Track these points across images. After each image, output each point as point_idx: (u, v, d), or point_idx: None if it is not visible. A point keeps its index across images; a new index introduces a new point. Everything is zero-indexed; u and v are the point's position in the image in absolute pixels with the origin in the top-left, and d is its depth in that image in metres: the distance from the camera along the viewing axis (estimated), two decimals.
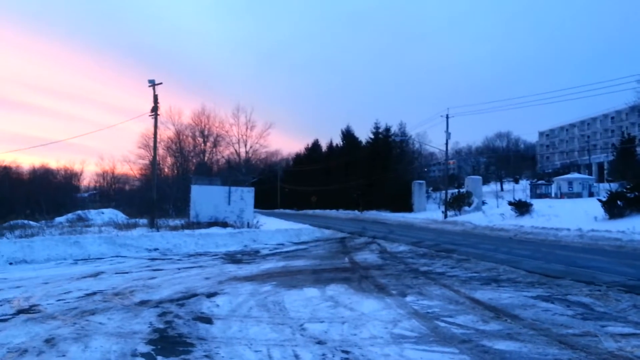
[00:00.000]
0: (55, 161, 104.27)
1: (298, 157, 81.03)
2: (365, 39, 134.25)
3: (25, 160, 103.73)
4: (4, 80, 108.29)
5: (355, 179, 55.29)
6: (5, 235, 19.94)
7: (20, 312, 6.87)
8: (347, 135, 67.59)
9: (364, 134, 76.89)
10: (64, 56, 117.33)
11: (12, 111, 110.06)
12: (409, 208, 48.06)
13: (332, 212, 55.47)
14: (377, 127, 59.86)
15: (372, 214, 47.33)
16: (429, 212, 42.72)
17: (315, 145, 77.66)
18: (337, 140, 71.17)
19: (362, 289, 8.67)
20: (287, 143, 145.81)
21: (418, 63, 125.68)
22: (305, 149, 79.46)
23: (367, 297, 7.93)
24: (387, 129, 58.80)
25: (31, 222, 28.86)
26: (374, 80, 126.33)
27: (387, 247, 16.72)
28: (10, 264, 12.96)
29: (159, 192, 28.81)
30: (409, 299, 7.75)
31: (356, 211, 52.08)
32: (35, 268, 12.32)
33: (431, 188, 62.01)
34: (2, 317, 6.51)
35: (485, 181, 60.37)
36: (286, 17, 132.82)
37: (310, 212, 60.17)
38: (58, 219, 32.20)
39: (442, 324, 6.10)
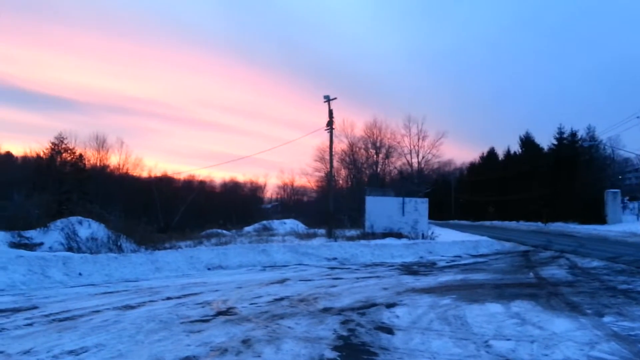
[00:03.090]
0: (242, 175, 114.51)
1: (472, 167, 78.23)
2: (540, 37, 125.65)
3: (217, 175, 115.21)
4: (201, 103, 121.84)
5: (536, 188, 51.66)
6: (203, 243, 22.31)
7: (219, 313, 7.56)
8: (526, 141, 63.46)
9: (545, 140, 71.49)
10: (247, 78, 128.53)
11: (207, 131, 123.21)
12: (600, 220, 43.43)
13: (512, 224, 52.47)
14: (560, 132, 55.32)
15: (558, 226, 43.71)
16: (625, 224, 38.18)
17: (491, 153, 74.26)
18: (515, 148, 67.12)
19: (552, 307, 8.02)
20: (460, 152, 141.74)
21: (608, 58, 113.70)
22: (480, 157, 76.41)
23: (557, 315, 7.31)
24: (573, 134, 53.96)
25: (224, 231, 31.92)
26: (554, 82, 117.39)
27: (577, 262, 15.29)
28: (209, 269, 14.39)
29: (334, 203, 29.88)
30: (606, 319, 6.98)
31: (539, 223, 48.56)
32: (229, 273, 13.53)
33: (627, 197, 55.39)
34: (204, 318, 7.21)
35: None
36: (452, 23, 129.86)
37: (487, 223, 57.59)
38: (246, 229, 35.17)
39: None
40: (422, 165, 64.54)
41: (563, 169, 50.51)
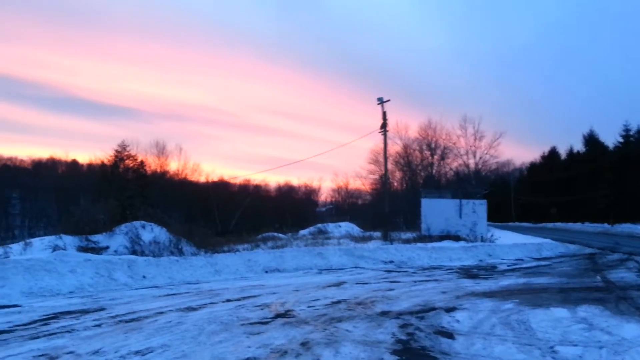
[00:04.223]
0: (296, 179, 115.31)
1: (533, 167, 75.82)
2: (603, 29, 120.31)
3: (272, 179, 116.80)
4: (256, 108, 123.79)
5: (602, 188, 49.52)
6: (260, 246, 22.62)
7: (278, 316, 7.63)
8: (590, 140, 60.93)
9: (610, 138, 68.53)
10: (300, 82, 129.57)
11: (262, 136, 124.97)
12: None
13: (576, 226, 50.42)
14: (626, 129, 52.86)
15: (626, 228, 41.62)
16: None
17: (552, 152, 71.75)
18: (578, 146, 64.66)
19: (621, 312, 7.65)
20: (519, 152, 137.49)
21: None
22: (541, 157, 73.94)
23: (627, 320, 6.97)
24: None
25: (279, 235, 32.28)
26: (619, 77, 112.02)
27: None
28: (266, 272, 14.58)
29: (389, 206, 29.67)
30: None
31: (605, 224, 46.43)
32: (286, 276, 13.66)
33: None
34: (263, 320, 7.30)
35: None
36: (509, 19, 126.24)
37: (549, 225, 55.59)
38: (301, 232, 35.38)
39: None
40: (480, 166, 62.89)
41: (630, 167, 48.21)
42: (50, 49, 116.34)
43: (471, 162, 62.49)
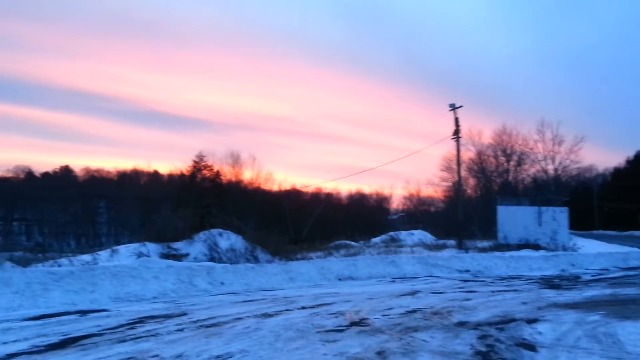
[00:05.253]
0: (367, 187, 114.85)
1: (617, 172, 71.57)
2: None
3: (344, 187, 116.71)
4: (327, 117, 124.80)
5: None
6: (332, 254, 22.75)
7: (353, 324, 7.64)
8: None
9: None
10: (369, 90, 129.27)
11: (333, 144, 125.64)
12: None
13: None
14: None
15: None
16: None
17: (638, 156, 67.59)
18: None
19: None
20: (603, 157, 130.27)
21: None
22: (626, 161, 69.69)
23: None
24: None
25: (352, 243, 32.30)
26: None
27: None
28: (339, 279, 14.64)
29: (463, 213, 29.02)
30: None
31: None
32: (360, 284, 13.65)
33: None
34: (338, 328, 7.33)
35: None
36: (589, 20, 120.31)
37: (637, 233, 52.32)
38: (373, 240, 35.25)
39: None
40: (559, 172, 60.27)
41: None
42: (132, 65, 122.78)
43: (550, 167, 60.03)
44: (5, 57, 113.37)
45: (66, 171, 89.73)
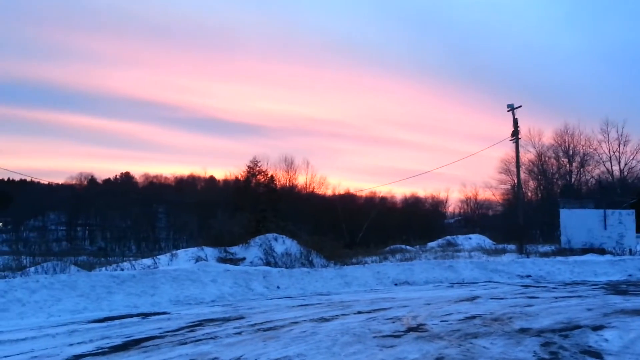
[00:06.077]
0: (422, 190, 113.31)
1: None
2: None
3: (398, 191, 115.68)
4: (380, 121, 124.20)
5: None
6: (388, 258, 22.59)
7: (410, 329, 7.54)
8: None
9: None
10: (423, 92, 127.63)
11: (387, 148, 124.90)
12: None
13: None
14: None
15: None
16: None
17: None
18: None
19: None
20: None
21: None
22: None
23: None
24: None
25: (407, 247, 31.98)
26: None
27: None
28: (395, 284, 14.50)
29: (523, 217, 28.17)
30: None
31: None
32: (416, 289, 13.47)
33: None
34: (395, 333, 7.25)
35: None
36: None
37: None
38: (430, 244, 34.85)
39: None
40: (625, 173, 57.48)
41: None
42: (187, 74, 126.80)
43: (615, 168, 57.41)
44: (73, 69, 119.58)
45: (127, 178, 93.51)
